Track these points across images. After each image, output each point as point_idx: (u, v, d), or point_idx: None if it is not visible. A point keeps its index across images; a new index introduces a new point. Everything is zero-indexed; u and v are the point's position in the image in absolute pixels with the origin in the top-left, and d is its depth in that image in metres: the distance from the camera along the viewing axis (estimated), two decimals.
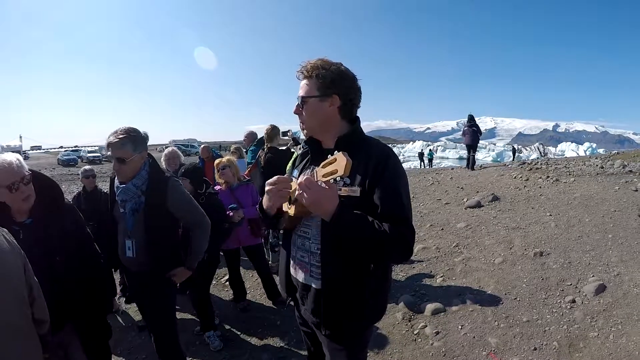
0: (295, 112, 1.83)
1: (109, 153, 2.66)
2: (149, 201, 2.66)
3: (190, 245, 2.92)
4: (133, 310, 4.63)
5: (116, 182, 2.77)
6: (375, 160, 1.66)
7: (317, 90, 1.74)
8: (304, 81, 1.78)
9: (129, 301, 2.84)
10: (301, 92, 1.78)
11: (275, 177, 1.71)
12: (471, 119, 14.24)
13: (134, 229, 2.69)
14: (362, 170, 1.64)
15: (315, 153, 1.87)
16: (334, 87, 1.74)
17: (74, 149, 60.60)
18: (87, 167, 5.13)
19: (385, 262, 1.80)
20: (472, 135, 13.98)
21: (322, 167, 1.48)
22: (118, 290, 4.94)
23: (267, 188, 1.72)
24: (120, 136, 2.57)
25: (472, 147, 14.24)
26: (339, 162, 1.37)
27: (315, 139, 1.87)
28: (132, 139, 2.61)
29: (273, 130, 5.60)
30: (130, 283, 3.25)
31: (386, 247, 1.57)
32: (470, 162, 14.22)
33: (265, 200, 1.80)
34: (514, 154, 36.14)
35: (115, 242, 2.85)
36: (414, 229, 1.66)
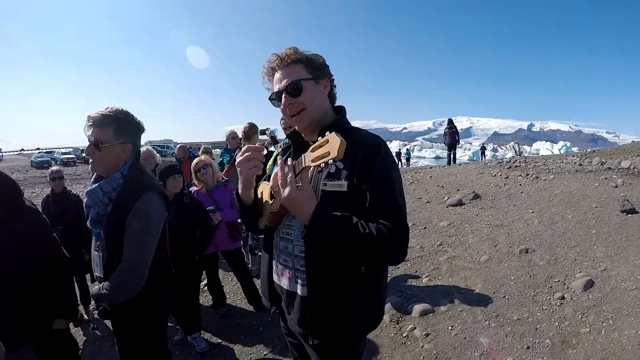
0: (286, 104, 1.58)
1: (88, 133, 2.04)
2: (112, 214, 2.05)
3: (106, 281, 2.05)
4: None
5: (92, 179, 2.21)
6: (364, 150, 1.49)
7: (308, 73, 1.57)
8: (287, 68, 1.57)
9: (103, 316, 2.31)
10: (291, 77, 1.56)
11: (246, 147, 1.54)
12: (450, 122, 17.11)
13: (100, 242, 2.15)
14: (350, 162, 1.47)
15: (298, 147, 1.69)
16: (324, 69, 1.60)
17: (47, 151, 58.99)
18: (55, 168, 4.83)
19: (377, 265, 1.63)
20: (452, 136, 16.67)
21: (311, 151, 1.30)
22: (92, 302, 4.71)
23: (238, 159, 1.55)
24: (104, 113, 2.02)
25: (452, 146, 16.87)
26: (332, 143, 1.21)
27: (298, 132, 1.71)
28: (118, 121, 2.04)
29: (251, 129, 5.42)
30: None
31: (375, 248, 1.41)
32: (451, 159, 16.77)
33: (239, 183, 1.64)
34: (482, 153, 36.39)
35: (80, 248, 2.47)
36: (408, 226, 1.49)
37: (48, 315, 2.28)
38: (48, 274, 2.27)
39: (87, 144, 2.06)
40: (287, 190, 1.36)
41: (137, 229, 2.04)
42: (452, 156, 16.90)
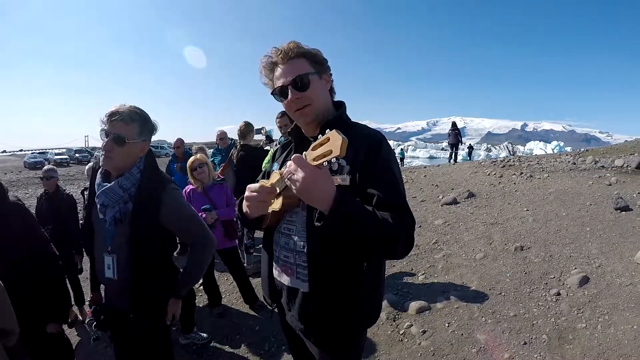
0: (292, 99, 1.53)
1: (104, 127, 1.99)
2: (137, 210, 2.02)
3: (186, 265, 2.20)
4: None
5: (98, 178, 2.13)
6: (366, 145, 1.48)
7: (312, 67, 1.54)
8: (291, 62, 1.54)
9: (102, 328, 2.16)
10: (297, 71, 1.52)
11: (258, 185, 1.49)
12: (453, 124, 19.33)
13: (115, 242, 2.06)
14: (351, 157, 1.44)
15: (299, 143, 1.69)
16: (326, 64, 1.58)
17: (40, 151, 58.35)
18: (48, 167, 4.76)
19: (388, 258, 1.60)
20: (455, 137, 18.78)
21: (312, 150, 1.26)
22: (88, 310, 4.67)
23: (247, 194, 1.51)
24: (131, 109, 2.00)
25: (454, 146, 19.04)
26: (333, 141, 1.17)
27: (298, 129, 1.69)
28: (143, 119, 2.04)
29: (247, 127, 5.39)
30: (112, 321, 2.21)
31: (392, 239, 1.36)
32: (453, 157, 19.06)
33: (244, 205, 1.59)
34: (469, 153, 36.26)
35: (71, 248, 2.40)
36: (414, 218, 1.46)
37: (41, 317, 2.25)
38: (39, 271, 2.24)
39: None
40: (307, 170, 1.24)
41: (178, 213, 2.13)
42: (454, 155, 19.20)
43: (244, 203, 1.58)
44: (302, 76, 1.51)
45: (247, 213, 1.61)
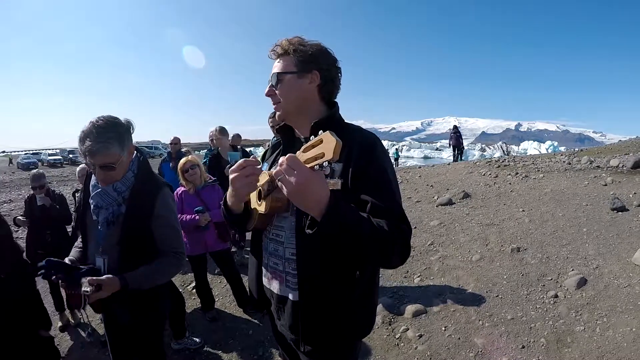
0: (267, 94, 1.57)
1: (88, 161, 1.97)
2: (130, 212, 2.04)
3: (145, 267, 2.05)
4: (96, 324, 4.27)
5: (93, 179, 2.14)
6: (359, 148, 1.42)
7: (294, 66, 1.50)
8: (279, 59, 1.54)
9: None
10: (276, 69, 1.53)
11: (242, 160, 1.40)
12: (455, 127, 21.67)
13: (107, 244, 2.06)
14: (344, 160, 1.39)
15: (288, 142, 1.64)
16: (315, 62, 1.51)
17: (34, 152, 57.93)
18: (36, 173, 4.57)
19: (383, 267, 1.54)
20: (457, 139, 20.75)
21: (303, 152, 1.18)
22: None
23: (231, 176, 1.41)
24: (102, 139, 1.90)
25: (456, 147, 20.83)
26: (326, 143, 1.09)
27: (288, 127, 1.64)
28: (118, 136, 1.96)
29: (220, 132, 5.55)
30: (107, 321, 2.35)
31: (387, 247, 1.30)
32: (455, 158, 20.55)
33: (229, 194, 1.51)
34: (461, 153, 36.37)
35: (68, 250, 2.34)
36: (410, 224, 1.40)
37: (31, 326, 2.21)
38: (22, 280, 2.20)
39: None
40: (302, 172, 1.16)
41: (167, 219, 2.13)
42: (456, 156, 20.59)
43: (229, 191, 1.50)
44: (275, 74, 1.54)
45: (233, 204, 1.54)
